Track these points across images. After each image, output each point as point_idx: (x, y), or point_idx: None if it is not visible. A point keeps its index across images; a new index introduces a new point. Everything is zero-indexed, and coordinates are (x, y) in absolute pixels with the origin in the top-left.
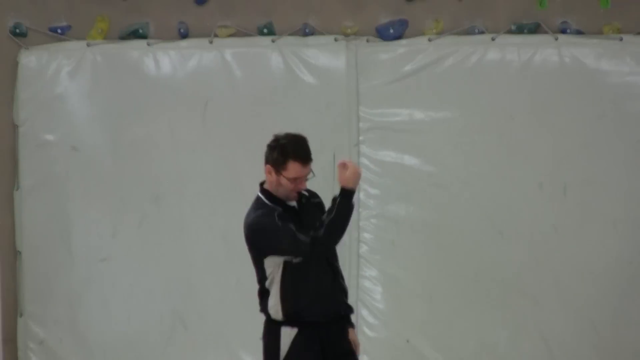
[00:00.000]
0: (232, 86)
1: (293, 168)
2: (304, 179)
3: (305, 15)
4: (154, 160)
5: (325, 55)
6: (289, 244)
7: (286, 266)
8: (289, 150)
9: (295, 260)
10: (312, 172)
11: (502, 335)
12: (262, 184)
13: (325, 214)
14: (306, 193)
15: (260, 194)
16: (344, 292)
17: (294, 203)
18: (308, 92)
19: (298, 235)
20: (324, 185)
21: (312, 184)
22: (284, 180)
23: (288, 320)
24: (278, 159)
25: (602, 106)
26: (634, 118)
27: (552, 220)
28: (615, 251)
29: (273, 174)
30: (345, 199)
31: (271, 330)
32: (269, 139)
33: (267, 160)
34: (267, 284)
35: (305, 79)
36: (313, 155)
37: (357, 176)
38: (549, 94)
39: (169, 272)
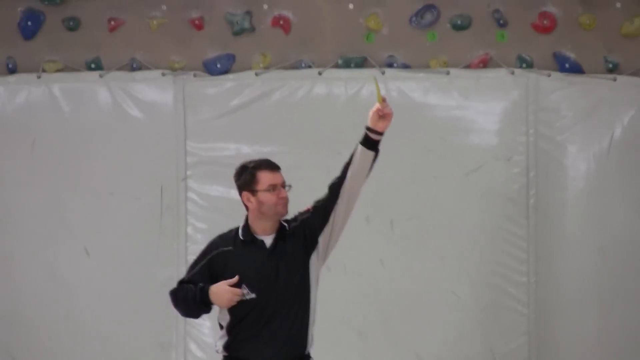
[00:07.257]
0: (61, 121)
1: (264, 177)
2: (280, 186)
3: (133, 50)
4: None
5: (152, 90)
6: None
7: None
8: (252, 165)
9: (247, 297)
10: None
11: None
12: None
13: None
14: (286, 225)
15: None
16: (303, 340)
17: (267, 239)
18: (136, 127)
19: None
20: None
21: None
22: (263, 197)
23: (231, 357)
24: (246, 178)
25: (429, 140)
26: (460, 151)
27: (379, 255)
28: (444, 284)
29: (251, 198)
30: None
31: None
32: (97, 174)
33: (240, 189)
34: (218, 318)
35: (133, 113)
36: (142, 190)
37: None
38: None
39: None
